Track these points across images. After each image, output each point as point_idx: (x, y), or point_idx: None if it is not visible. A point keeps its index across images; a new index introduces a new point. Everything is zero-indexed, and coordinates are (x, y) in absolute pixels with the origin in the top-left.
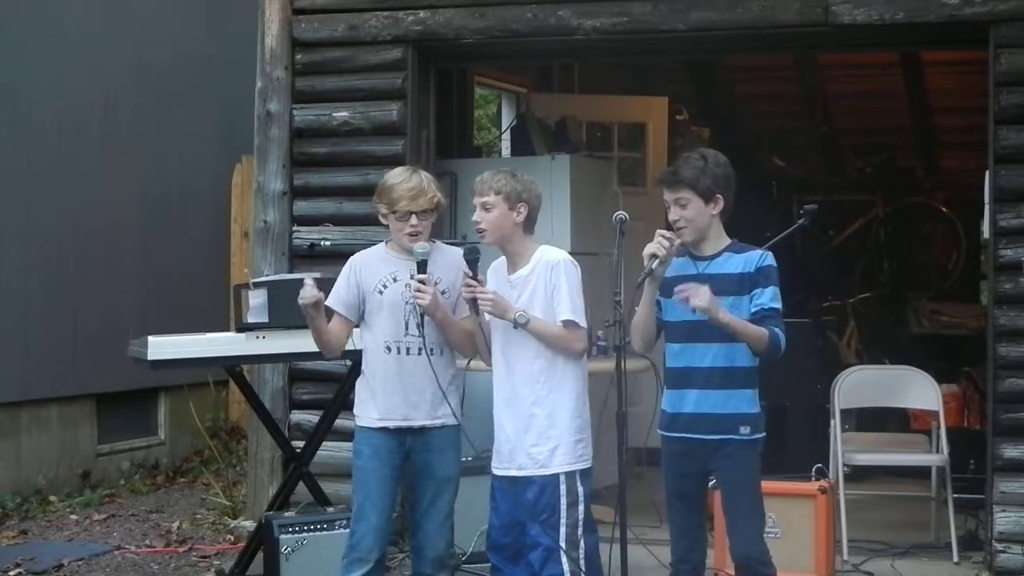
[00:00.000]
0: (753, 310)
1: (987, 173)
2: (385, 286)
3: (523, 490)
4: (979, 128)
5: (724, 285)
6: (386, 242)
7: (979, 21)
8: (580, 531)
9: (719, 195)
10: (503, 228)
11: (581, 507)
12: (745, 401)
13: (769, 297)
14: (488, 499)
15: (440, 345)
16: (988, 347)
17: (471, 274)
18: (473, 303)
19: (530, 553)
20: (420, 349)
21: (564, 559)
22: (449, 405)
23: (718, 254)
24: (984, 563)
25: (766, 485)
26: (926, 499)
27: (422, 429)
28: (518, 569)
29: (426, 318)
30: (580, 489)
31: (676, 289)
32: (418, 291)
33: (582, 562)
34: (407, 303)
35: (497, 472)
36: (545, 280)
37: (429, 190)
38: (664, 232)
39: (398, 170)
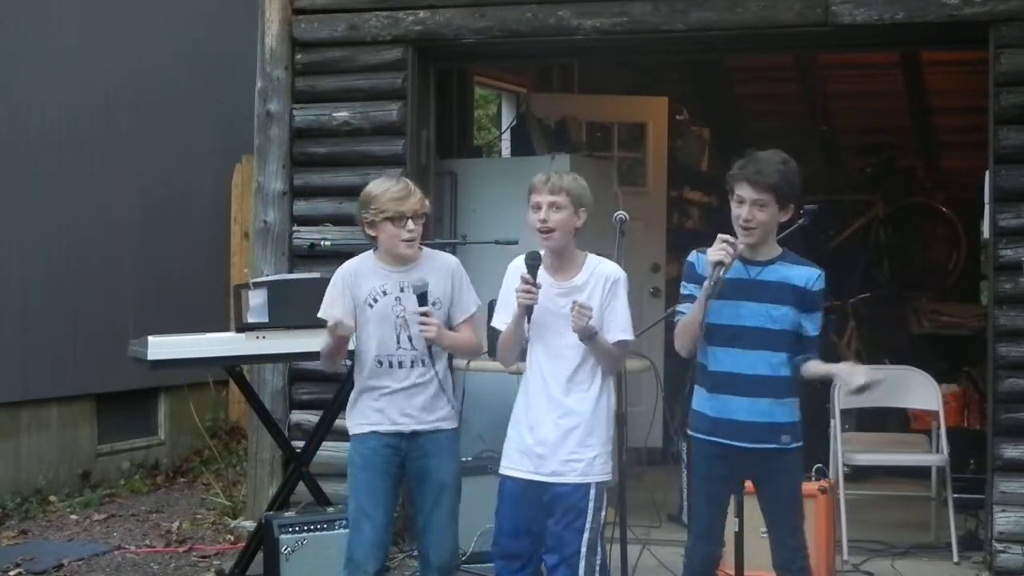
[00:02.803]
0: (804, 333)
1: (987, 173)
2: (375, 299)
3: (551, 495)
4: (979, 128)
5: (780, 294)
6: (373, 251)
7: (979, 21)
8: (600, 539)
9: (792, 204)
10: (568, 231)
11: (603, 514)
12: (786, 410)
13: (818, 324)
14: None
15: (432, 352)
16: (988, 347)
17: (531, 279)
18: (529, 309)
19: (546, 555)
20: (413, 362)
21: (582, 565)
22: (442, 410)
23: (771, 261)
24: (984, 563)
25: None
26: (926, 499)
27: (415, 434)
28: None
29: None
30: (604, 497)
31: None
32: (422, 324)
33: (598, 569)
34: (397, 317)
35: (519, 475)
36: (602, 292)
37: (416, 192)
38: (726, 237)
39: (380, 179)
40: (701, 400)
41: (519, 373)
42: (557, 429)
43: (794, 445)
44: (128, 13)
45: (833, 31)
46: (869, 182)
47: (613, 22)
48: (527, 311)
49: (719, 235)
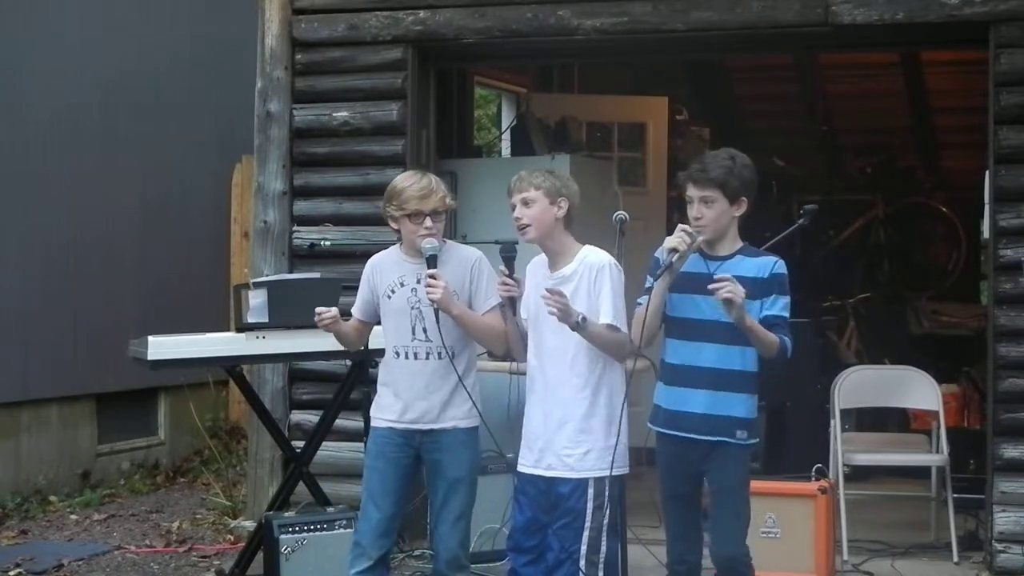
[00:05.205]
0: (763, 316)
1: (987, 173)
2: (393, 291)
3: (550, 491)
4: (979, 128)
5: None
6: (399, 244)
7: (979, 21)
8: (603, 536)
9: (744, 197)
10: (545, 223)
11: (607, 512)
12: (743, 405)
13: (780, 306)
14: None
15: (451, 348)
16: (988, 347)
17: (508, 272)
18: (511, 302)
19: (549, 554)
20: (428, 354)
21: (582, 563)
22: (461, 408)
23: (731, 255)
24: (984, 563)
25: (766, 485)
26: (926, 499)
27: (431, 431)
28: (538, 571)
29: (442, 316)
30: (607, 493)
31: (716, 277)
32: (429, 287)
33: (601, 567)
34: (413, 308)
35: (524, 470)
36: (588, 282)
37: (439, 190)
38: (686, 227)
39: (407, 173)
40: (659, 393)
41: (520, 373)
42: (549, 421)
43: (749, 442)
44: (128, 13)
45: (833, 31)
46: (869, 182)
47: (613, 22)
48: (511, 304)
49: (679, 224)
